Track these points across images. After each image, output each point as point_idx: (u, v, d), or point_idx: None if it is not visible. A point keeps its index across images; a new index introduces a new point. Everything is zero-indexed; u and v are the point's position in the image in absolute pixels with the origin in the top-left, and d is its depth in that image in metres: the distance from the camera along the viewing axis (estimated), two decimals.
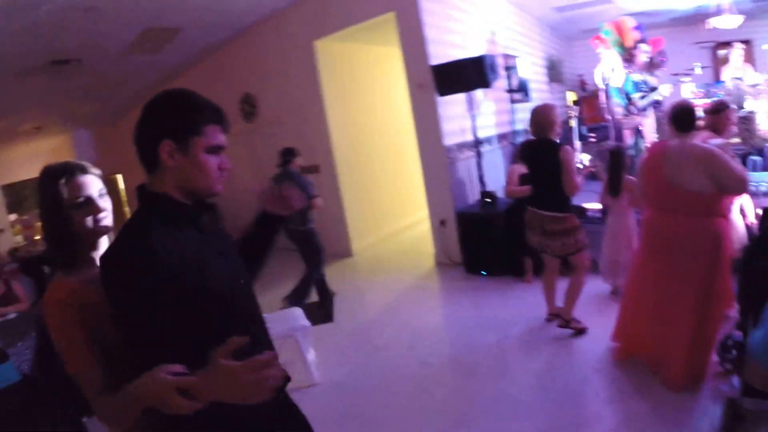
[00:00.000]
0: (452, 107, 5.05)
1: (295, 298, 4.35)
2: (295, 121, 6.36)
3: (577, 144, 6.34)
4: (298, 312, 3.45)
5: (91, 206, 1.25)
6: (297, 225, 4.27)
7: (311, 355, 3.30)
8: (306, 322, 3.30)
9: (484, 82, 4.54)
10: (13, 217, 9.52)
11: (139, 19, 5.05)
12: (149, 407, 0.93)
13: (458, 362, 3.23)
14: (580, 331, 3.19)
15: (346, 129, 6.09)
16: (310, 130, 6.17)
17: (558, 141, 3.14)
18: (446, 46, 5.06)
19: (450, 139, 5.02)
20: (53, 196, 1.22)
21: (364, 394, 2.97)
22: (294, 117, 6.38)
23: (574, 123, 6.46)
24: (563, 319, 3.23)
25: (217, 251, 1.18)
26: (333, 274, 5.51)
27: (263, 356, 0.91)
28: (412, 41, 4.90)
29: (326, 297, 4.58)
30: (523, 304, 3.84)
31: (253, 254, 1.43)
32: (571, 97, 8.91)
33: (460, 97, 5.00)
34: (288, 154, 4.37)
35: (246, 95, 6.95)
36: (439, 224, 5.14)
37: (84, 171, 1.26)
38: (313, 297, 4.52)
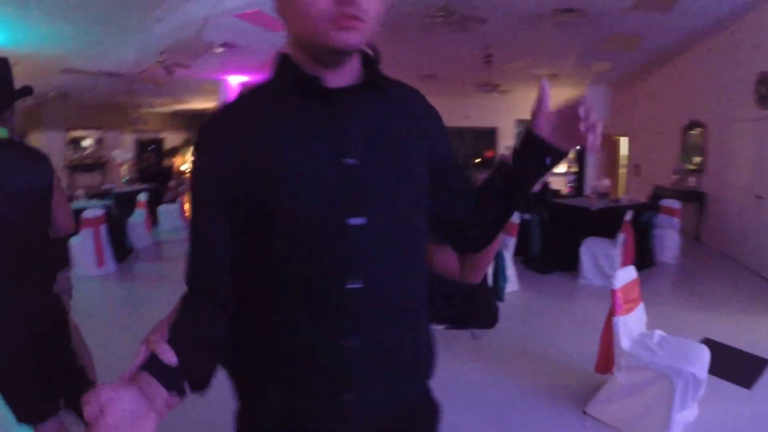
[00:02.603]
0: None
1: None
2: None
3: None
4: (700, 352, 2.53)
5: None
6: None
7: (688, 414, 2.47)
8: (700, 373, 2.40)
9: None
10: None
11: None
12: None
13: None
14: None
15: None
16: None
17: None
18: None
19: None
20: None
21: None
22: None
23: None
24: None
25: (334, 141, 0.78)
26: None
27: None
28: None
29: None
30: None
31: (496, 197, 0.94)
32: None
33: None
34: None
35: (762, 75, 5.44)
36: None
37: None
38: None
